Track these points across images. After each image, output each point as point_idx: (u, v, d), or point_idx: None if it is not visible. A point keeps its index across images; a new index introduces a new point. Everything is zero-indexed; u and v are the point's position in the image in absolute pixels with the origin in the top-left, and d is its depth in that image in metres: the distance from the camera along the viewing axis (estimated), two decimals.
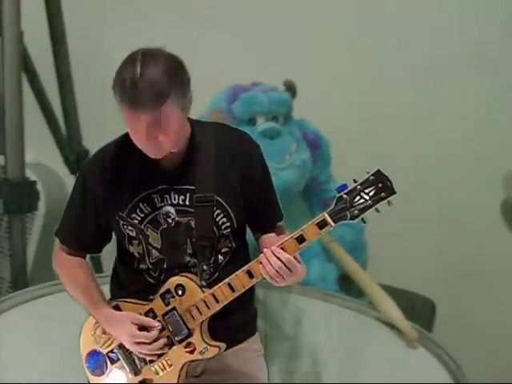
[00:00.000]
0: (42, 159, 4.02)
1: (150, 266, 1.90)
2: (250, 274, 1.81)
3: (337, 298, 3.13)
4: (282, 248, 1.76)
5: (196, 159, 1.85)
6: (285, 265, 1.75)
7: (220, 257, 1.90)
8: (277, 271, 1.75)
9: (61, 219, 2.00)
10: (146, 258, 1.89)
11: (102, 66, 4.15)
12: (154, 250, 1.87)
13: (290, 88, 3.26)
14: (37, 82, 3.68)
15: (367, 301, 3.10)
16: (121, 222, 1.86)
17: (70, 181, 3.96)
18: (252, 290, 2.01)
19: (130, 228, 1.87)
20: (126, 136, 1.83)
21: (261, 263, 1.77)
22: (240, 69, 3.68)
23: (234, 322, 1.94)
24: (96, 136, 3.91)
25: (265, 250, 1.77)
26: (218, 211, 1.86)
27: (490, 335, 3.63)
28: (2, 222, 3.64)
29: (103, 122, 4.12)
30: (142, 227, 1.85)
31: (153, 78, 1.68)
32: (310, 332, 2.83)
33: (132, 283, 1.95)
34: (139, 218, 1.85)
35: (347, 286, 3.28)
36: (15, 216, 3.29)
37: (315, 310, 3.00)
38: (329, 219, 1.74)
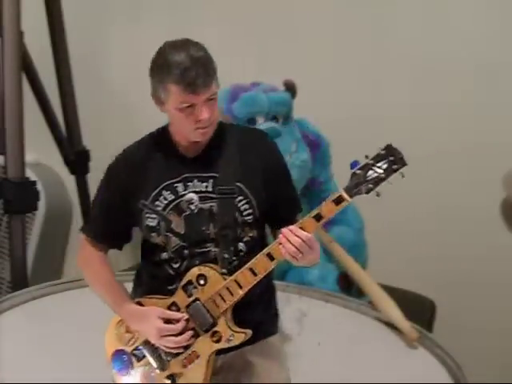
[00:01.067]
0: (42, 159, 4.02)
1: (172, 255, 1.92)
2: (271, 256, 1.84)
3: (337, 297, 3.13)
4: (300, 227, 1.80)
5: (219, 149, 1.93)
6: (305, 242, 1.78)
7: (241, 245, 1.92)
8: (297, 249, 1.78)
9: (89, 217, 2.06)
10: (167, 247, 1.91)
11: (102, 66, 4.17)
12: (174, 238, 1.90)
13: (290, 88, 3.25)
14: (37, 81, 3.68)
15: (367, 301, 3.10)
16: (144, 211, 1.90)
17: (70, 181, 3.97)
18: (272, 289, 2.06)
19: (152, 217, 1.90)
20: (148, 135, 1.96)
21: (280, 243, 1.80)
22: (240, 69, 3.68)
23: (255, 319, 1.95)
24: (96, 136, 3.94)
25: (283, 230, 1.80)
26: (241, 197, 1.90)
27: (489, 335, 3.63)
28: (2, 222, 3.64)
29: (103, 122, 4.14)
30: (165, 214, 1.90)
31: (203, 58, 1.81)
32: (310, 332, 2.83)
33: (154, 277, 1.97)
34: (162, 205, 1.90)
35: (347, 286, 3.28)
36: (15, 216, 3.29)
37: (315, 310, 3.00)
38: (345, 195, 1.80)
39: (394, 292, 3.03)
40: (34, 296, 2.92)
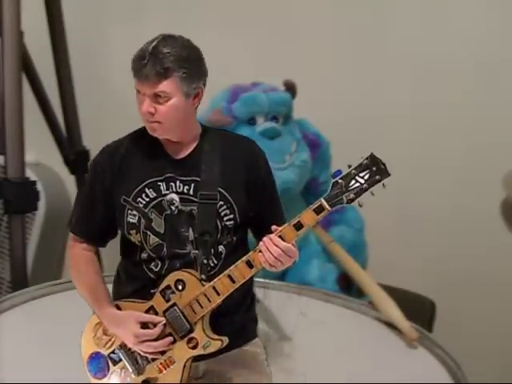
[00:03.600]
0: (42, 159, 4.02)
1: (151, 253, 1.91)
2: (250, 264, 1.84)
3: (337, 297, 3.13)
4: (279, 236, 1.80)
5: (204, 153, 1.92)
6: (284, 252, 1.78)
7: (221, 247, 1.92)
8: (276, 258, 1.78)
9: (72, 212, 2.04)
10: (145, 245, 1.91)
11: (101, 66, 4.17)
12: (152, 236, 1.90)
13: (290, 88, 3.25)
14: (37, 82, 3.68)
15: (367, 301, 3.10)
16: (126, 207, 1.91)
17: (70, 181, 3.97)
18: (252, 295, 2.05)
19: (133, 213, 1.90)
20: (138, 130, 1.97)
21: (260, 251, 1.80)
22: (240, 69, 3.68)
23: (235, 325, 1.95)
24: (96, 136, 3.92)
25: (264, 238, 1.80)
26: (221, 203, 1.90)
27: (490, 335, 3.64)
28: (2, 222, 3.64)
29: (103, 122, 4.13)
30: (147, 211, 1.90)
31: (161, 53, 1.79)
32: (310, 332, 2.83)
33: (134, 280, 1.96)
34: (144, 202, 1.90)
35: (347, 286, 3.28)
36: (15, 216, 3.28)
37: (315, 310, 3.00)
38: (325, 204, 1.79)
39: (393, 292, 3.03)
40: (34, 296, 2.91)
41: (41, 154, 3.94)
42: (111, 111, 4.14)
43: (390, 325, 2.92)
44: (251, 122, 3.14)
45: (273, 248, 1.78)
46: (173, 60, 1.80)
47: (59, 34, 3.69)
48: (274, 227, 1.82)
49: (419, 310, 3.33)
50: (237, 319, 1.96)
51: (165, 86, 1.81)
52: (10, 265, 3.38)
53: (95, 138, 3.91)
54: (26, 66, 3.47)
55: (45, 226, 3.80)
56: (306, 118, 3.38)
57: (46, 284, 3.01)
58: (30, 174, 3.41)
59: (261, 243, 1.81)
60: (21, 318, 2.76)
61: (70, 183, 3.99)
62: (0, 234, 3.72)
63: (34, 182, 3.34)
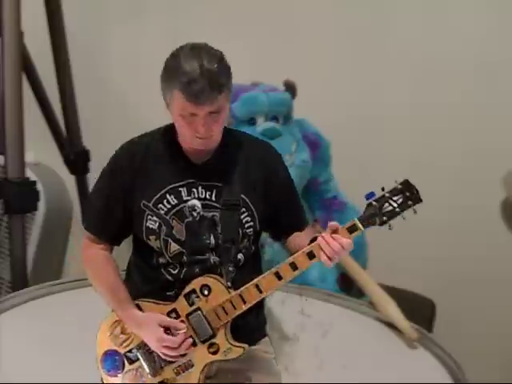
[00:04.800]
0: (42, 159, 4.02)
1: (170, 260, 1.90)
2: (279, 276, 1.85)
3: (337, 297, 3.13)
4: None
5: (225, 158, 1.91)
6: (344, 248, 1.81)
7: (240, 255, 1.92)
8: (336, 252, 1.81)
9: (86, 209, 2.03)
10: (165, 252, 1.90)
11: (101, 66, 4.17)
12: (173, 243, 1.89)
13: (290, 88, 3.25)
14: (37, 81, 3.68)
15: (367, 301, 3.10)
16: (146, 212, 1.89)
17: (70, 181, 3.97)
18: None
19: (153, 219, 1.89)
20: (158, 131, 1.94)
21: (320, 248, 1.81)
22: (240, 69, 3.67)
23: (249, 325, 1.95)
24: (96, 136, 3.94)
25: (322, 234, 1.82)
26: (243, 209, 1.90)
27: (490, 335, 3.63)
28: (2, 222, 3.64)
29: (103, 122, 4.13)
30: (168, 218, 1.88)
31: (213, 71, 1.78)
32: (310, 332, 2.83)
33: (150, 281, 1.95)
34: (165, 209, 1.88)
35: (347, 286, 3.28)
36: (15, 216, 3.28)
37: (315, 310, 3.00)
38: (359, 224, 1.84)
39: (393, 292, 3.03)
40: (34, 296, 2.91)
41: (41, 154, 3.94)
42: (111, 111, 4.14)
43: (390, 325, 2.92)
44: (251, 121, 3.14)
45: (333, 243, 1.80)
46: (222, 73, 1.80)
47: (59, 34, 3.69)
48: (331, 224, 1.83)
49: (419, 310, 3.33)
50: (251, 320, 1.96)
51: (220, 101, 1.79)
52: (10, 265, 3.38)
53: (95, 138, 3.93)
54: (26, 66, 3.47)
55: (45, 225, 3.80)
56: (306, 118, 3.38)
57: (45, 284, 3.01)
58: (30, 174, 3.41)
59: (319, 237, 1.81)
60: (21, 318, 2.76)
61: (70, 183, 3.99)
62: (0, 234, 3.72)
63: (33, 182, 3.34)
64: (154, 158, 1.91)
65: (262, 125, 3.12)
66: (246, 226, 1.91)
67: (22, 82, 3.31)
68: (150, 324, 1.89)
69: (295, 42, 3.76)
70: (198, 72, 1.75)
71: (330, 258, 1.81)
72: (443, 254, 3.69)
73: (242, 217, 1.90)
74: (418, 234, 3.76)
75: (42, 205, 3.60)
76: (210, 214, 1.89)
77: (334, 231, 1.82)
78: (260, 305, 2.02)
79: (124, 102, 4.05)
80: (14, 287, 3.37)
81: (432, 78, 3.64)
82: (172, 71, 1.80)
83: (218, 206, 1.88)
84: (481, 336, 3.65)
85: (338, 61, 3.77)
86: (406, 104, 3.70)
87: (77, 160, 3.83)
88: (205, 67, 1.76)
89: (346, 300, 3.12)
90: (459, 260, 3.65)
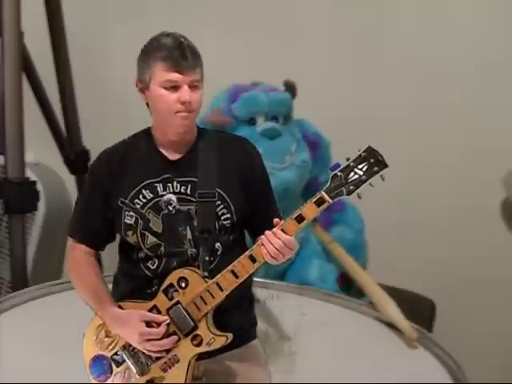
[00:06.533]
0: (42, 159, 4.02)
1: (148, 252, 1.92)
2: (253, 258, 1.85)
3: (337, 297, 3.13)
4: (281, 230, 1.81)
5: (199, 153, 1.95)
6: (285, 244, 1.80)
7: (217, 244, 1.93)
8: (278, 250, 1.80)
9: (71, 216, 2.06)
10: (142, 245, 1.92)
11: (102, 66, 4.17)
12: (150, 236, 1.92)
13: (290, 88, 3.25)
14: (37, 81, 3.68)
15: (367, 301, 3.10)
16: (124, 209, 1.92)
17: (70, 181, 3.97)
18: (250, 297, 2.07)
19: (130, 214, 1.92)
20: (133, 135, 2.00)
21: (262, 244, 1.81)
22: (240, 69, 3.68)
23: (235, 325, 1.95)
24: (96, 136, 3.93)
25: (266, 232, 1.82)
26: (219, 202, 1.92)
27: (490, 335, 3.64)
28: (2, 222, 3.64)
29: (103, 122, 4.13)
30: (144, 211, 1.91)
31: (190, 43, 1.89)
32: (310, 332, 2.83)
33: (130, 278, 1.97)
34: (141, 203, 1.92)
35: (347, 286, 3.28)
36: (15, 216, 3.28)
37: (315, 310, 3.00)
38: (326, 196, 1.82)
39: (393, 292, 3.03)
40: (34, 296, 2.92)
41: (41, 153, 3.94)
42: (111, 111, 4.15)
43: (390, 325, 2.92)
44: (251, 121, 3.14)
45: (274, 240, 1.80)
46: (196, 49, 1.89)
47: (59, 34, 3.69)
48: (276, 220, 1.83)
49: (419, 310, 3.33)
50: (235, 320, 1.97)
51: (198, 73, 1.88)
52: (10, 265, 3.38)
53: (95, 138, 3.92)
54: (26, 66, 3.48)
55: (45, 225, 3.80)
56: (306, 118, 3.38)
57: (45, 284, 3.01)
58: (30, 174, 3.42)
59: (262, 236, 1.82)
60: (21, 318, 2.76)
61: (70, 183, 3.99)
62: (0, 234, 3.72)
63: (33, 182, 3.34)
64: (130, 159, 1.96)
65: (262, 125, 3.12)
66: (223, 218, 1.92)
67: (22, 81, 3.31)
68: (130, 320, 1.89)
69: (295, 42, 3.76)
70: (178, 43, 1.86)
71: (272, 257, 1.81)
72: (443, 254, 3.69)
73: (218, 209, 1.92)
74: (418, 234, 3.77)
75: (41, 205, 3.60)
76: (186, 208, 1.92)
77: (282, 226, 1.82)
78: (246, 306, 2.03)
79: (124, 102, 4.04)
80: (14, 287, 3.38)
81: (432, 78, 3.64)
82: (151, 49, 1.89)
83: (193, 199, 1.91)
84: (481, 336, 3.65)
85: (338, 61, 3.77)
86: (405, 104, 3.70)
87: (77, 160, 3.83)
88: (183, 42, 1.87)
89: (346, 300, 3.12)
90: (459, 260, 3.66)
